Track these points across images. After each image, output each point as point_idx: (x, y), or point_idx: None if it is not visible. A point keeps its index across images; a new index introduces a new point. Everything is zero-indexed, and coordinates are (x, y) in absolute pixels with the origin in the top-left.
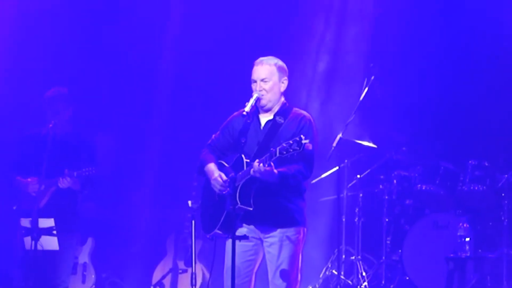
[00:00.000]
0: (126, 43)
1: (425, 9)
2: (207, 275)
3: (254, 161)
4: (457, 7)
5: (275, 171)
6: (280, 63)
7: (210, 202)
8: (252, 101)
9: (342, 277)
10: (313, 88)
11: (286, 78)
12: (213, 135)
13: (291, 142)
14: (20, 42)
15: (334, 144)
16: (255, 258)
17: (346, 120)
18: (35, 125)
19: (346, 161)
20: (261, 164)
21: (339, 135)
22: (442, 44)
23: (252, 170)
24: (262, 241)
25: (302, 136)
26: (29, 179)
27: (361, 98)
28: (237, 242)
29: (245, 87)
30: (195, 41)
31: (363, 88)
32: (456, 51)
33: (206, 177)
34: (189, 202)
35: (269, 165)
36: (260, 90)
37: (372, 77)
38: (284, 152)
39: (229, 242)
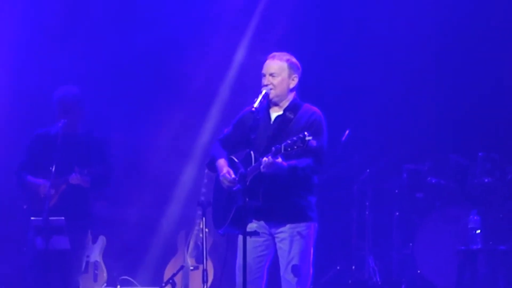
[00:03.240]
0: (132, 42)
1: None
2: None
3: (263, 156)
4: None
5: (284, 163)
6: (293, 60)
7: (221, 198)
8: (260, 97)
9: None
10: None
11: (296, 75)
12: (225, 130)
13: (295, 138)
14: (25, 40)
15: (343, 139)
16: (267, 253)
17: None
18: (45, 124)
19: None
20: (270, 157)
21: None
22: (450, 30)
23: (261, 166)
24: (273, 237)
25: (305, 133)
26: (40, 181)
27: None
28: (248, 238)
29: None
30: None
31: None
32: (465, 39)
33: (217, 173)
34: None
35: (277, 158)
36: (267, 84)
37: None
38: (289, 149)
39: (240, 238)
